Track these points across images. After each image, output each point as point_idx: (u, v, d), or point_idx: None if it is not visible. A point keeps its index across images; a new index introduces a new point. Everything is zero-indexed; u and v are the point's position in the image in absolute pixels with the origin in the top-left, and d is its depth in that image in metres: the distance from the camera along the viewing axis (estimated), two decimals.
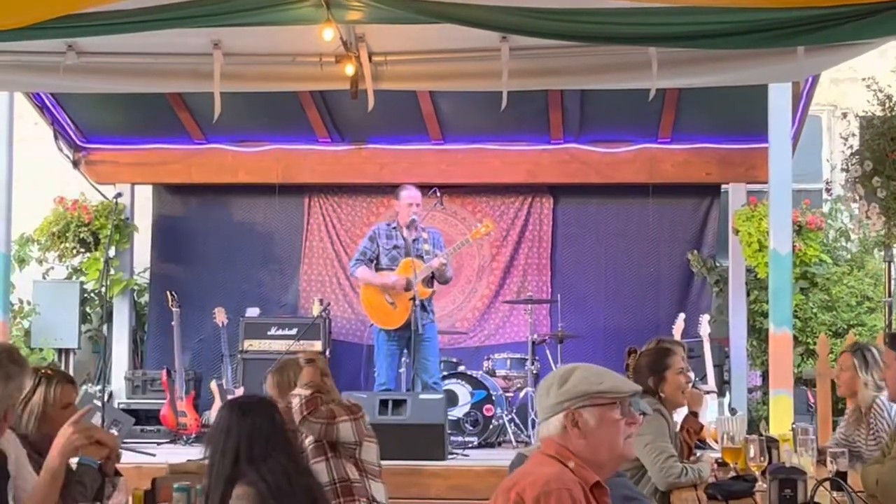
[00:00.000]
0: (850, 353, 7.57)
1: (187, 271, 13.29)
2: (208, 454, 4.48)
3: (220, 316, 11.92)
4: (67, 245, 12.44)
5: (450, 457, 9.99)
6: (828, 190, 11.58)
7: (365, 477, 6.27)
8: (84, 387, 12.08)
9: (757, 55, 7.32)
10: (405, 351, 11.01)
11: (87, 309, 12.83)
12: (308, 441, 6.58)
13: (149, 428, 11.69)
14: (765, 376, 11.63)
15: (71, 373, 12.09)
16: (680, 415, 7.54)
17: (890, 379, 5.96)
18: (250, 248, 13.27)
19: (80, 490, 5.12)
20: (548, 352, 11.74)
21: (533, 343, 11.59)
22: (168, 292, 12.13)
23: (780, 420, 9.64)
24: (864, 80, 8.88)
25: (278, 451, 4.47)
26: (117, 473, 5.50)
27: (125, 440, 11.09)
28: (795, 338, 11.23)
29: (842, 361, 7.66)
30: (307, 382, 6.56)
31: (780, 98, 10.36)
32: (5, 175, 10.74)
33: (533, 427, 10.64)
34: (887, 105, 8.61)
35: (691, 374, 7.60)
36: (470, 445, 10.88)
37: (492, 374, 11.53)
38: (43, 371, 5.34)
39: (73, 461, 5.27)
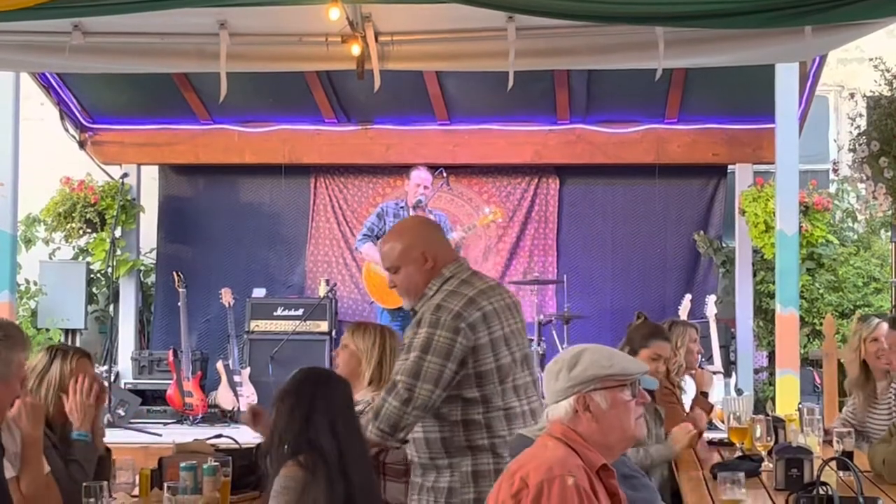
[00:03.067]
0: None
1: (194, 252, 13.30)
2: (279, 407, 4.38)
3: (227, 296, 11.92)
4: (74, 225, 12.43)
5: None
6: (835, 170, 11.56)
7: (383, 479, 5.90)
8: None
9: (764, 35, 7.29)
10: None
11: (94, 289, 12.84)
12: None
13: (155, 408, 11.69)
14: (771, 357, 11.63)
15: None
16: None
17: None
18: (257, 228, 13.27)
19: (76, 468, 5.14)
20: (554, 332, 11.75)
21: (539, 324, 11.58)
22: (174, 273, 12.12)
23: (787, 400, 9.65)
24: (871, 60, 8.88)
25: (349, 433, 4.39)
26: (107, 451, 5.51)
27: (132, 420, 11.13)
28: (802, 318, 11.22)
29: (889, 338, 7.26)
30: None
31: (787, 78, 10.35)
32: (11, 156, 10.72)
33: None
34: (895, 85, 8.60)
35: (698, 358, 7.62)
36: None
37: None
38: (58, 346, 5.40)
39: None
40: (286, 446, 4.35)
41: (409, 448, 4.90)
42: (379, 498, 4.51)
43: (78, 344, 12.32)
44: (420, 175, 11.16)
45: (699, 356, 7.81)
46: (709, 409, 7.39)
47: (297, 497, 4.23)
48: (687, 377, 7.69)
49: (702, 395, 7.38)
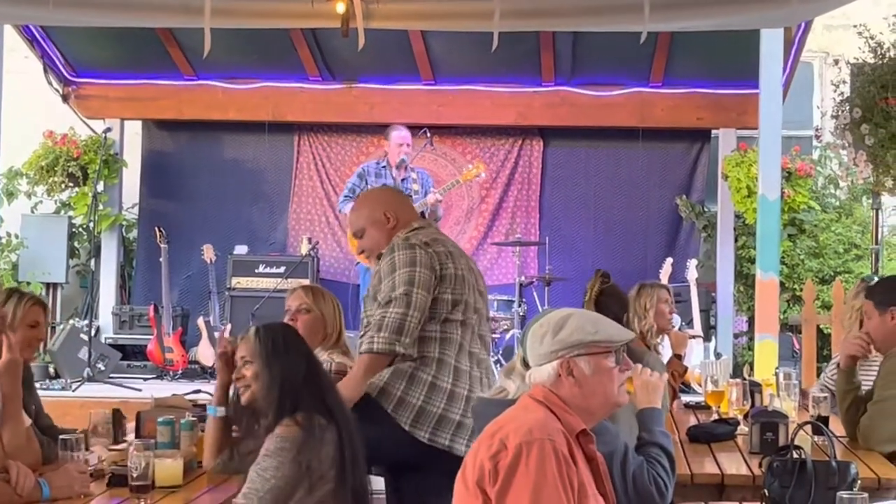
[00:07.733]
0: None
1: (176, 207, 13.26)
2: (262, 369, 4.44)
3: (209, 253, 11.91)
4: (56, 179, 12.39)
5: None
6: (818, 137, 11.59)
7: None
8: (71, 321, 12.11)
9: (750, 0, 7.29)
10: None
11: (75, 243, 12.81)
12: None
13: (135, 363, 11.71)
14: (751, 321, 11.68)
15: (58, 307, 12.18)
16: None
17: (873, 330, 5.92)
18: (239, 185, 13.24)
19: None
20: (535, 294, 11.77)
21: (520, 285, 11.60)
22: (156, 228, 12.10)
23: (765, 365, 9.69)
24: (856, 27, 8.86)
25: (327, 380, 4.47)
26: None
27: (111, 375, 11.14)
28: (782, 284, 11.27)
29: None
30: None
31: (772, 44, 10.33)
32: None
33: None
34: (878, 52, 8.59)
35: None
36: None
37: None
38: (16, 289, 5.40)
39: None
40: (278, 405, 4.34)
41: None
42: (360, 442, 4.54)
43: (59, 298, 12.36)
44: (401, 134, 11.14)
45: (672, 316, 7.83)
46: (682, 370, 7.44)
47: (291, 457, 4.22)
48: (665, 338, 7.70)
49: (675, 357, 7.41)
